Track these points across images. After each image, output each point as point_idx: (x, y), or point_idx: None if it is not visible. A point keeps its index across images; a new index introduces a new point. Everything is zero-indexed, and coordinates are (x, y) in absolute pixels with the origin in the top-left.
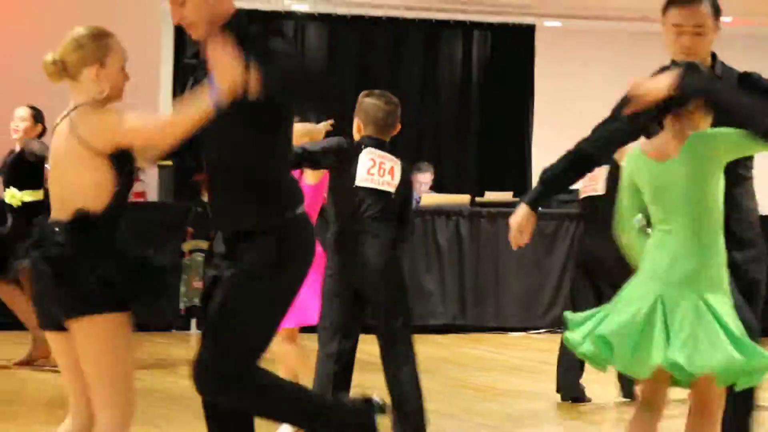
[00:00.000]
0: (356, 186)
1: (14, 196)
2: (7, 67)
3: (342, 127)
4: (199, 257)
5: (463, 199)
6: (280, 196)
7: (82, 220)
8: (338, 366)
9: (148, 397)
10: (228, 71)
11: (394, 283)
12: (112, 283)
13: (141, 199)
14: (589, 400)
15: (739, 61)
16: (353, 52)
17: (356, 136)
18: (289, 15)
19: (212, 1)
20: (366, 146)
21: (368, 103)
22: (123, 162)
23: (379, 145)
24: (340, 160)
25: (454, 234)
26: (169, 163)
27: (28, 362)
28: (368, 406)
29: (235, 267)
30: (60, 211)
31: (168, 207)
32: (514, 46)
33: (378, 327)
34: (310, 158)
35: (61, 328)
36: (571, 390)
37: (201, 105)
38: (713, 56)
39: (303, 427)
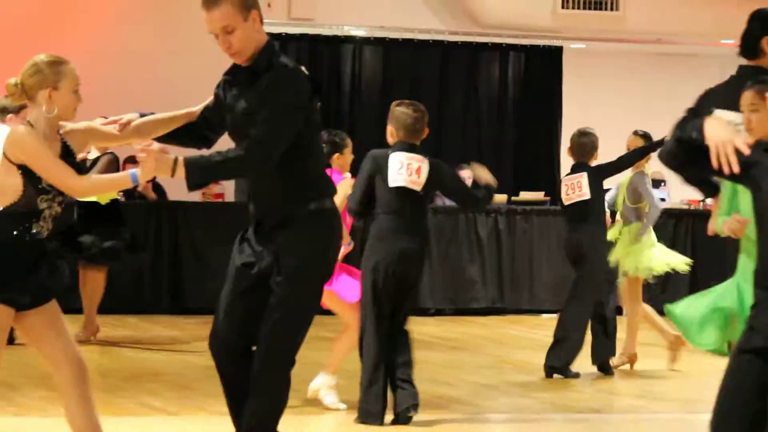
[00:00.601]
0: (390, 186)
1: None
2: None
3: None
4: None
5: (501, 198)
6: (319, 186)
7: None
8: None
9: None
10: (148, 170)
11: (420, 270)
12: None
13: (220, 200)
14: (612, 374)
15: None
16: (405, 71)
17: (390, 140)
18: (348, 39)
19: (256, 30)
20: (394, 151)
21: (398, 111)
22: (33, 177)
23: (408, 148)
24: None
25: (494, 228)
26: None
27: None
28: None
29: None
30: None
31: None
32: (544, 66)
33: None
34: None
35: None
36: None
37: (121, 179)
38: None
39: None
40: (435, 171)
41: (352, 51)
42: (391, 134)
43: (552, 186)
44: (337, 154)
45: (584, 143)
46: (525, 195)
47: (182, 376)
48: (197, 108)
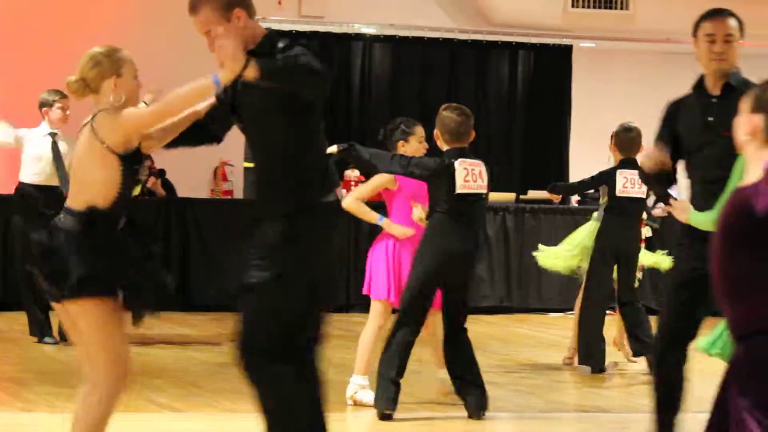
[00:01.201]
0: (457, 193)
1: None
2: None
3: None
4: None
5: (509, 196)
6: (314, 181)
7: (90, 212)
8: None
9: (234, 368)
10: (228, 59)
11: (474, 269)
12: (100, 275)
13: (229, 197)
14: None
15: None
16: (415, 69)
17: (438, 144)
18: (358, 36)
19: (241, 27)
20: (455, 158)
21: (444, 115)
22: (130, 162)
23: (462, 154)
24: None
25: (501, 227)
26: (253, 164)
27: None
28: None
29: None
30: (73, 201)
31: (252, 203)
32: (553, 65)
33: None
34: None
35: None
36: (600, 362)
37: (201, 85)
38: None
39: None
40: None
41: (362, 49)
42: (437, 138)
43: None
44: (401, 142)
45: (632, 138)
46: (533, 193)
47: (189, 373)
48: (200, 107)
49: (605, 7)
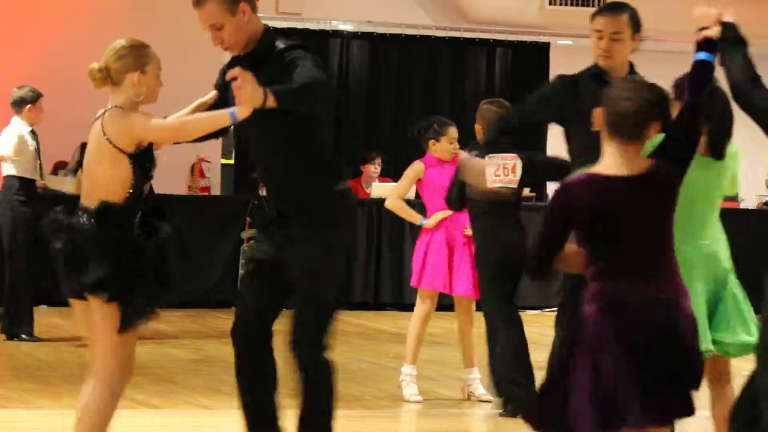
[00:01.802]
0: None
1: None
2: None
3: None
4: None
5: None
6: (329, 173)
7: (104, 209)
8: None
9: (210, 365)
10: (247, 97)
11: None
12: (117, 279)
13: (206, 193)
14: None
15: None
16: (392, 66)
17: (479, 138)
18: (336, 33)
19: (245, 22)
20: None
21: (485, 109)
22: (142, 161)
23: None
24: None
25: None
26: (231, 161)
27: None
28: None
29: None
30: (87, 199)
31: (229, 200)
32: (531, 62)
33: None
34: None
35: (82, 297)
36: None
37: (218, 117)
38: (631, 65)
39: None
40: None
41: (339, 46)
42: (478, 132)
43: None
44: (432, 140)
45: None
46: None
47: (165, 369)
48: (206, 99)
49: (582, 5)
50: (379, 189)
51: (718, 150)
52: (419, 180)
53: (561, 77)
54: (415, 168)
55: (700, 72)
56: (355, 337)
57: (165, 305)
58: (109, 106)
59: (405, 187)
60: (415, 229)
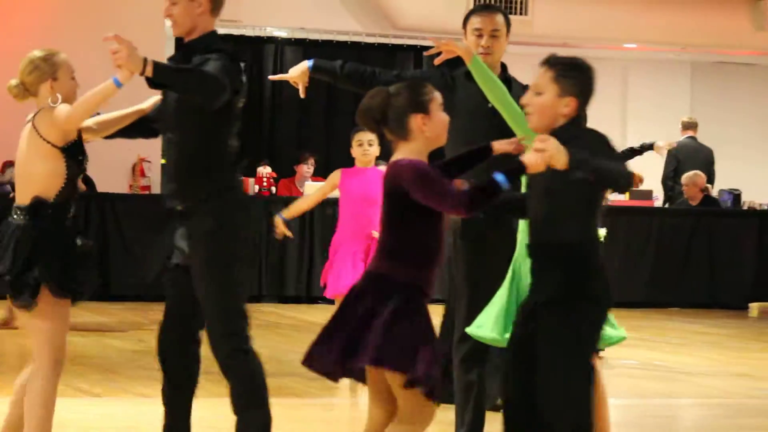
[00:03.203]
0: None
1: None
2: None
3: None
4: None
5: None
6: (221, 168)
7: (38, 204)
8: None
9: (150, 355)
10: (122, 61)
11: None
12: (51, 273)
13: (147, 192)
14: None
15: (644, 83)
16: None
17: None
18: (270, 39)
19: (197, 13)
20: None
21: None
22: (74, 154)
23: None
24: None
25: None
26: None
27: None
28: None
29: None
30: (21, 198)
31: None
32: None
33: None
34: None
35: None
36: None
37: (104, 87)
38: (503, 66)
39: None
40: None
41: (274, 51)
42: None
43: None
44: (352, 147)
45: None
46: None
47: (108, 360)
48: (146, 105)
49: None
50: (311, 188)
51: None
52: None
53: (440, 69)
54: (332, 176)
55: (489, 189)
56: (288, 329)
57: (93, 293)
58: (37, 111)
59: (316, 194)
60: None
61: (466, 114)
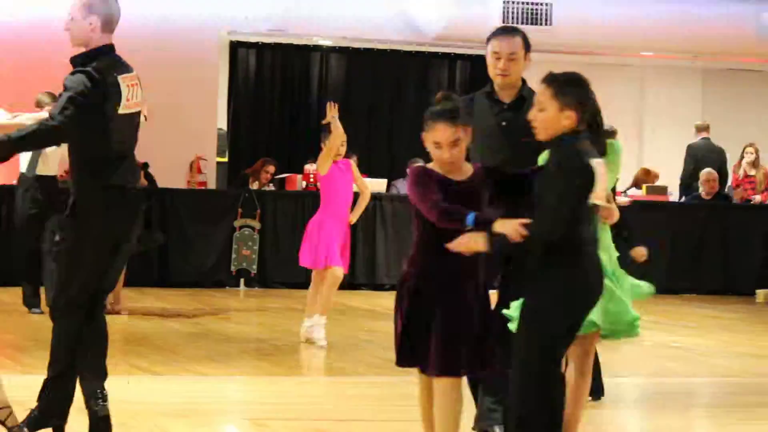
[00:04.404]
0: None
1: None
2: None
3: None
4: (247, 231)
5: None
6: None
7: None
8: None
9: (207, 337)
10: None
11: None
12: None
13: (203, 188)
14: None
15: (658, 88)
16: (366, 76)
17: None
18: (317, 48)
19: (89, 29)
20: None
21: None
22: None
23: None
24: None
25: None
26: (225, 159)
27: None
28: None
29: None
30: None
31: (223, 193)
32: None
33: None
34: None
35: None
36: None
37: None
38: (523, 80)
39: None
40: None
41: (319, 58)
42: None
43: None
44: None
45: None
46: None
47: (167, 341)
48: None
49: (532, 24)
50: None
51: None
52: None
53: (461, 97)
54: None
55: (457, 217)
56: (334, 313)
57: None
58: None
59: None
60: (386, 218)
61: (479, 131)
